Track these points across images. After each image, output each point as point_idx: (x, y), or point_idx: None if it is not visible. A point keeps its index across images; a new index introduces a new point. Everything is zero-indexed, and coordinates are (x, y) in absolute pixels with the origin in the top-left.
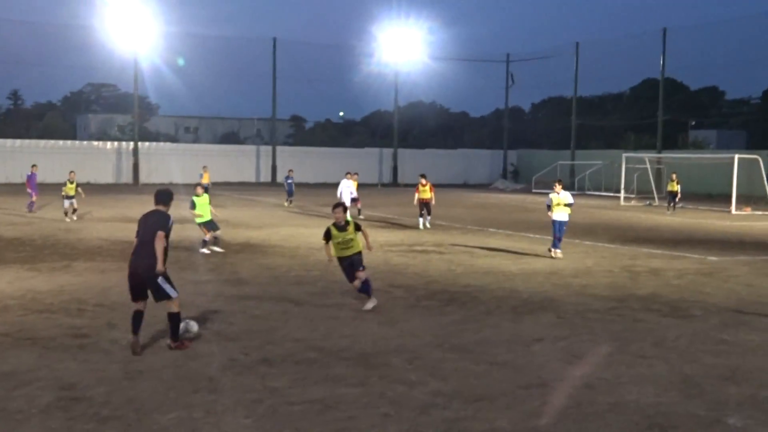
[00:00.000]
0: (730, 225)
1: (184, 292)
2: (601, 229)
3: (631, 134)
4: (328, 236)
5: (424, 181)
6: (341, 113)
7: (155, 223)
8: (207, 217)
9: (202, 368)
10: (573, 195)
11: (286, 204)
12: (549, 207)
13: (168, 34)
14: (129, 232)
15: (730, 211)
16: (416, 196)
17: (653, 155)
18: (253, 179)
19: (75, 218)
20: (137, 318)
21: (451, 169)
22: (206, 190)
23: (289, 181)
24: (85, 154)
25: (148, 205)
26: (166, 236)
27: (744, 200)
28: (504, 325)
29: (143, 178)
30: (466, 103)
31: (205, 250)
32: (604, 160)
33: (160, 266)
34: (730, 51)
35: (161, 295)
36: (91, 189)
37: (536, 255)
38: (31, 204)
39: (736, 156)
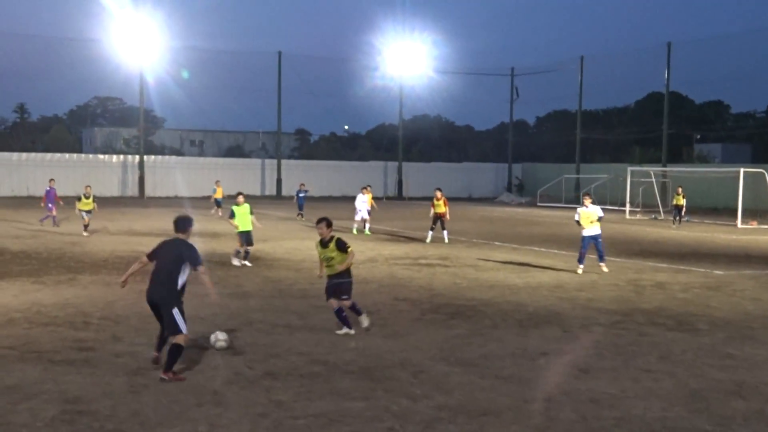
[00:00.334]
0: (736, 239)
1: (188, 305)
2: (607, 243)
3: (636, 148)
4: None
5: (438, 195)
6: (346, 126)
7: (181, 255)
8: (245, 228)
9: (206, 382)
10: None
11: (298, 218)
12: (579, 223)
13: (173, 48)
14: (135, 246)
15: (735, 225)
16: (432, 210)
17: (658, 169)
18: (258, 192)
19: (86, 234)
20: (162, 338)
21: (456, 182)
22: (219, 204)
23: (301, 194)
24: (90, 167)
25: (153, 218)
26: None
27: (750, 214)
28: (509, 338)
29: (149, 192)
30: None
31: (236, 262)
32: (609, 174)
33: (213, 297)
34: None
35: (171, 328)
36: (96, 202)
37: (541, 268)
38: (53, 218)
39: (742, 169)
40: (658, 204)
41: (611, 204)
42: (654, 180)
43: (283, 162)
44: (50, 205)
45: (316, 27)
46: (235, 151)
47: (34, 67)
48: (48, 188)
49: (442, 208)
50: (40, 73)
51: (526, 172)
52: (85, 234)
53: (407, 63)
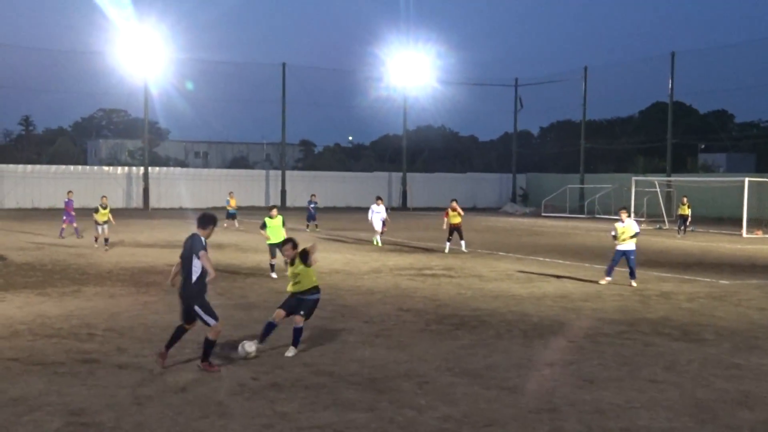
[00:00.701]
0: (741, 248)
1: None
2: (611, 253)
3: (640, 158)
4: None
5: (454, 205)
6: (350, 137)
7: (190, 248)
8: (276, 240)
9: (211, 393)
10: (584, 219)
11: (308, 229)
12: (615, 237)
13: (178, 60)
14: (139, 257)
15: (741, 235)
16: (445, 220)
17: (663, 179)
18: (262, 203)
19: (107, 248)
20: (177, 333)
21: (460, 192)
22: (233, 216)
23: (313, 205)
24: (95, 179)
25: (158, 229)
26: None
27: (755, 223)
28: (514, 349)
29: (153, 203)
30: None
31: (273, 275)
32: (614, 184)
33: (213, 273)
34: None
35: (202, 324)
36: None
37: (546, 278)
38: (76, 230)
39: (747, 179)
40: (662, 214)
41: (616, 214)
42: (659, 190)
43: (288, 173)
44: (65, 218)
45: (320, 38)
46: (239, 163)
47: (39, 79)
48: (66, 200)
49: (458, 218)
50: (45, 86)
51: (530, 182)
52: (105, 247)
53: (411, 74)
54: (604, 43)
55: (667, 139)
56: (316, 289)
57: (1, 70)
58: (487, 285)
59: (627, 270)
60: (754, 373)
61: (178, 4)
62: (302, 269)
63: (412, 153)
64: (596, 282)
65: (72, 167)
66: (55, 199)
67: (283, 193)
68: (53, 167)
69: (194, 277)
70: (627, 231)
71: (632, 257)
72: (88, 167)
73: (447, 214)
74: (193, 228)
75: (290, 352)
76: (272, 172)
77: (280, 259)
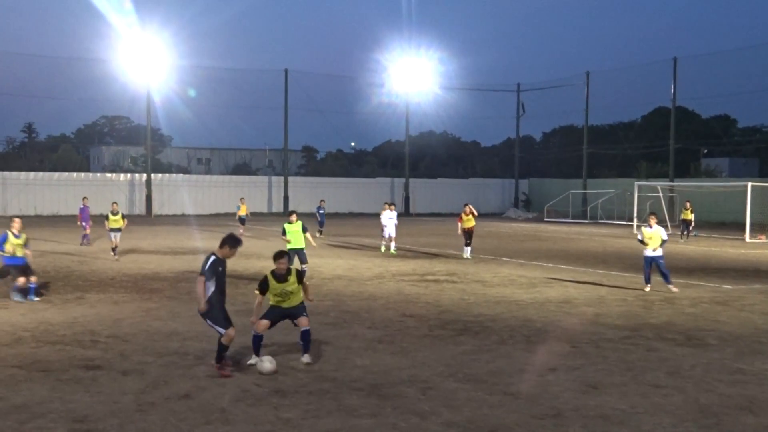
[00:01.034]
0: (745, 253)
1: (196, 322)
2: (615, 258)
3: (643, 163)
4: (264, 288)
5: (467, 210)
6: (352, 143)
7: (202, 265)
8: (296, 246)
9: (214, 399)
10: (586, 224)
11: (317, 235)
12: (642, 242)
13: (180, 67)
14: (142, 264)
15: (744, 239)
16: (459, 225)
17: (666, 183)
18: (265, 210)
19: (117, 258)
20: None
21: (463, 198)
22: (243, 221)
23: (321, 211)
24: (98, 186)
25: (160, 236)
26: (207, 278)
27: (758, 228)
28: (517, 354)
29: (156, 210)
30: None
31: None
32: (617, 189)
33: (201, 306)
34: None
35: (214, 330)
36: (103, 221)
37: (550, 284)
38: (86, 237)
39: (750, 184)
40: (665, 219)
41: (619, 219)
42: (661, 195)
43: (290, 179)
44: (84, 224)
45: (322, 44)
46: (242, 169)
47: (42, 87)
48: (82, 206)
49: (471, 222)
50: (48, 93)
51: (532, 187)
52: (115, 258)
53: (413, 80)
54: (607, 49)
55: (669, 144)
56: (302, 302)
57: (4, 77)
58: (490, 290)
59: (626, 275)
60: (758, 378)
61: (180, 12)
62: (296, 288)
63: (414, 159)
64: (599, 285)
65: (75, 174)
66: (57, 206)
67: (286, 199)
68: (56, 174)
69: (208, 294)
70: (655, 237)
71: (661, 262)
72: (90, 174)
73: (461, 219)
74: (197, 235)
75: (306, 358)
76: (275, 179)
77: (296, 264)
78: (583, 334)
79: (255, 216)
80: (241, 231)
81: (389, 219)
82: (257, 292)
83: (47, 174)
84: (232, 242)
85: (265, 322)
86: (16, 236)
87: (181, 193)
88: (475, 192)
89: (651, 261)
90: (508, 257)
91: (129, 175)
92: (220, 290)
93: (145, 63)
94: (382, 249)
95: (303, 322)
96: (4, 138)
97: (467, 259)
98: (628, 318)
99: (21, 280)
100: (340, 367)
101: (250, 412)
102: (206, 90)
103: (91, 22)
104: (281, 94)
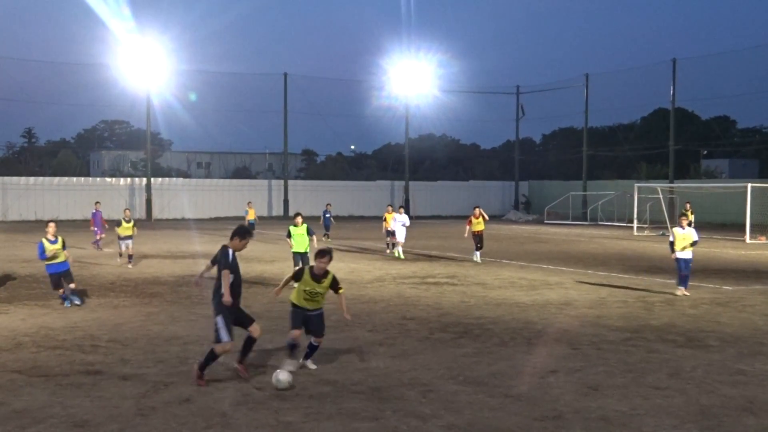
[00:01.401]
0: (745, 254)
1: (196, 326)
2: (615, 260)
3: (642, 164)
4: (298, 277)
5: (477, 213)
6: (352, 147)
7: (218, 260)
8: (300, 249)
9: (214, 404)
10: (587, 226)
11: (324, 239)
12: (672, 245)
13: (180, 71)
14: (142, 268)
15: (744, 240)
16: (468, 228)
17: (665, 185)
18: (265, 213)
19: (131, 266)
20: (244, 349)
21: (463, 200)
22: (252, 226)
23: (327, 215)
24: (98, 190)
25: (160, 240)
26: (231, 271)
27: (758, 229)
28: (518, 357)
29: (156, 214)
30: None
31: (295, 285)
32: (617, 191)
33: (226, 297)
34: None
35: (214, 334)
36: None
37: (550, 286)
38: (97, 242)
39: (749, 185)
40: (665, 220)
41: (619, 221)
42: (661, 196)
43: (290, 183)
44: (96, 229)
45: (322, 48)
46: (242, 173)
47: (42, 92)
48: (94, 211)
49: (481, 225)
50: (48, 98)
51: (533, 189)
52: (129, 265)
53: (413, 83)
54: (606, 51)
55: (669, 145)
56: (322, 314)
57: (3, 82)
58: (491, 293)
59: (627, 277)
60: (759, 379)
61: (180, 16)
62: (325, 292)
63: (414, 162)
64: (599, 287)
65: (75, 179)
66: (58, 210)
67: (286, 202)
68: (56, 179)
69: (221, 289)
70: (687, 238)
71: (690, 265)
72: (90, 179)
73: (470, 222)
74: (197, 239)
75: (312, 364)
76: (275, 182)
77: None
78: (584, 336)
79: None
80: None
81: (399, 221)
82: (291, 277)
83: (47, 179)
84: (241, 233)
85: (298, 332)
86: (52, 242)
87: (181, 197)
88: (475, 194)
89: (686, 264)
90: (509, 259)
91: (129, 179)
92: (239, 284)
93: (144, 67)
94: (396, 253)
95: (319, 342)
96: (4, 143)
97: (477, 262)
98: (629, 320)
99: (60, 291)
100: (341, 370)
101: (251, 415)
102: (206, 94)
103: (91, 27)
104: (281, 97)
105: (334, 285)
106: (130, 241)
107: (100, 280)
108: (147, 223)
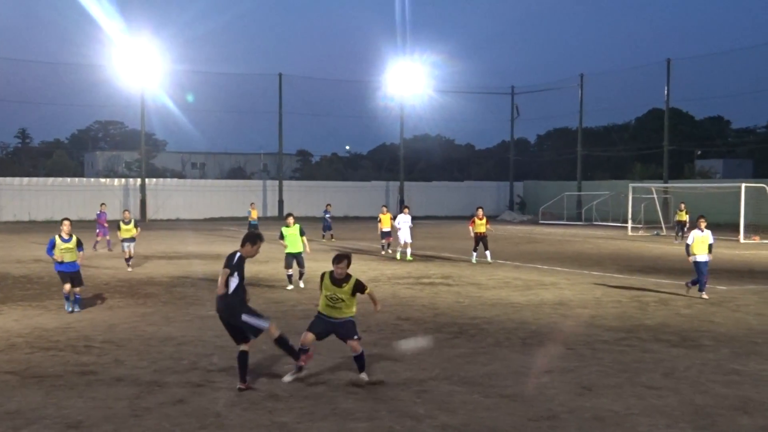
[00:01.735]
0: (739, 254)
1: (191, 327)
2: (609, 260)
3: (637, 164)
4: (321, 284)
5: (480, 214)
6: (347, 147)
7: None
8: (293, 249)
9: (209, 404)
10: (581, 226)
11: (324, 240)
12: (688, 247)
13: (174, 72)
14: (137, 269)
15: (738, 240)
16: (471, 229)
17: (660, 185)
18: (260, 213)
19: (131, 268)
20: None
21: (458, 201)
22: (255, 227)
23: (328, 215)
24: (92, 191)
25: (154, 241)
26: (231, 271)
27: (752, 229)
28: (513, 357)
29: (151, 215)
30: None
31: (289, 286)
32: (611, 191)
33: (219, 290)
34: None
35: (253, 331)
36: (138, 226)
37: (545, 286)
38: (108, 242)
39: (743, 185)
40: (660, 220)
41: (613, 221)
42: (656, 196)
43: (285, 183)
44: (98, 230)
45: (317, 48)
46: (236, 173)
47: (36, 92)
48: (99, 212)
49: (483, 227)
50: (42, 99)
51: (527, 190)
52: (128, 269)
53: (408, 83)
54: (600, 51)
55: (663, 145)
56: (352, 319)
57: None
58: (486, 293)
59: (621, 277)
60: (753, 378)
61: (175, 16)
62: (348, 298)
63: (409, 162)
64: (594, 287)
65: (69, 179)
66: (52, 211)
67: (281, 203)
68: (50, 180)
69: (231, 290)
70: (706, 240)
71: (706, 268)
72: (85, 179)
73: (473, 223)
74: (191, 240)
75: (364, 376)
76: (269, 183)
77: (294, 269)
78: (579, 336)
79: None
80: None
81: (404, 223)
82: (319, 286)
83: (41, 179)
84: (252, 239)
85: (311, 336)
86: (65, 240)
87: (175, 197)
88: (470, 195)
89: (704, 266)
90: (504, 260)
91: (123, 180)
92: (244, 289)
93: (139, 68)
94: (400, 255)
95: (354, 346)
96: None
97: (481, 262)
98: (624, 319)
99: (67, 287)
100: (336, 370)
101: (245, 416)
102: (201, 94)
103: (85, 27)
104: (276, 98)
105: (359, 288)
106: (132, 243)
107: (95, 280)
108: (141, 223)
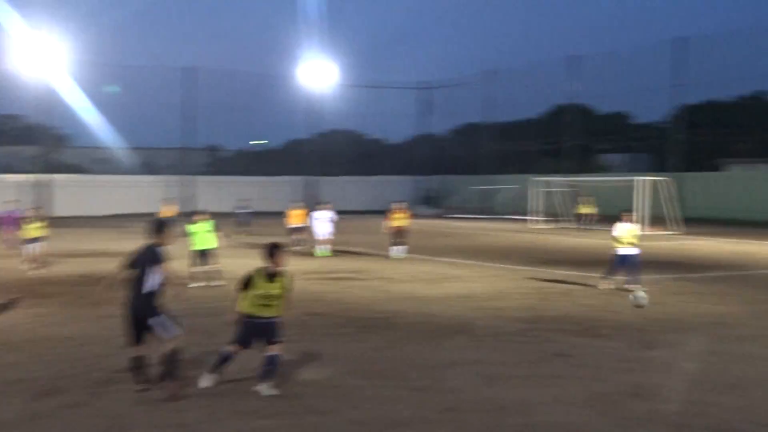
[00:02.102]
0: (638, 245)
1: (91, 327)
2: (515, 252)
3: (543, 159)
4: (247, 284)
5: (399, 208)
6: (258, 141)
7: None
8: (201, 246)
9: (112, 404)
10: (490, 219)
11: (238, 236)
12: (616, 239)
13: (80, 64)
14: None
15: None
16: (387, 224)
17: (564, 179)
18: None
19: (44, 270)
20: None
21: (369, 195)
22: (167, 224)
23: (244, 210)
24: None
25: (58, 239)
26: (145, 268)
27: (651, 221)
28: (420, 350)
29: (56, 212)
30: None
31: (193, 284)
32: (518, 184)
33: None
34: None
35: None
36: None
37: (453, 279)
38: (7, 241)
39: (642, 178)
40: (564, 213)
41: (520, 214)
42: (560, 190)
43: (195, 178)
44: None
45: (228, 42)
46: (146, 168)
47: None
48: (8, 210)
49: (403, 221)
50: None
51: (438, 184)
52: (25, 269)
53: (319, 77)
54: (509, 48)
55: (568, 140)
56: (279, 318)
57: None
58: (395, 287)
59: (526, 269)
60: (647, 365)
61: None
62: (280, 293)
63: (321, 156)
64: (500, 279)
65: None
66: None
67: (191, 198)
68: None
69: (148, 288)
70: (629, 233)
71: (637, 260)
72: None
73: (390, 217)
74: (97, 238)
75: (264, 388)
76: (179, 178)
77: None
78: (484, 328)
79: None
80: None
81: (315, 220)
82: (241, 289)
83: None
84: (159, 227)
85: (239, 348)
86: None
87: (81, 194)
88: (381, 189)
89: (626, 259)
90: (414, 254)
91: (24, 176)
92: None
93: (42, 59)
94: (318, 252)
95: (276, 348)
96: None
97: (399, 258)
98: (528, 311)
99: None
100: (242, 368)
101: (149, 416)
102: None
103: None
104: (186, 91)
105: (290, 283)
106: (38, 244)
107: None
108: (44, 221)
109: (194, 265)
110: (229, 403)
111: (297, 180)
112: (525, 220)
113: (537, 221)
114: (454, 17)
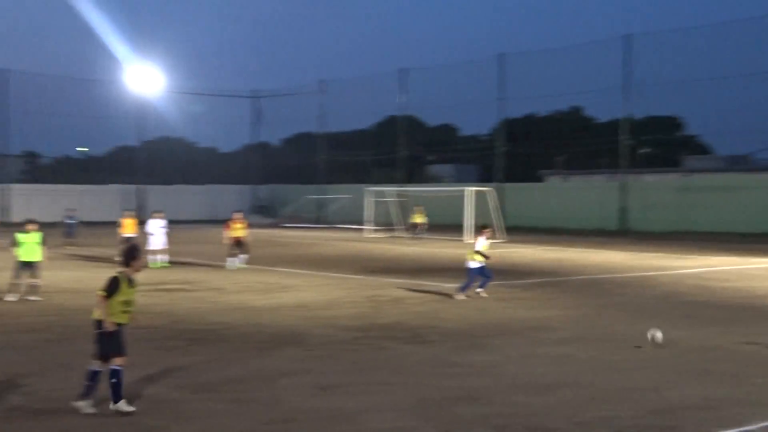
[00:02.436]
0: (464, 253)
1: None
2: (348, 262)
3: (375, 169)
4: (114, 290)
5: (238, 218)
6: (81, 149)
7: None
8: (28, 258)
9: None
10: (323, 229)
11: (66, 247)
12: (478, 254)
13: None
14: None
15: (462, 240)
16: (225, 234)
17: (396, 189)
18: None
19: None
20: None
21: (200, 204)
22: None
23: (71, 221)
24: None
25: None
26: None
27: (476, 230)
28: (250, 361)
29: None
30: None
31: (11, 297)
32: (351, 194)
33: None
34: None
35: None
36: None
37: (286, 289)
38: None
39: (470, 188)
40: (396, 222)
41: (353, 224)
42: (392, 199)
43: (10, 186)
44: None
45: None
46: None
47: None
48: None
49: (241, 231)
50: None
51: (271, 193)
52: None
53: (148, 83)
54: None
55: (399, 151)
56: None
57: None
58: (226, 298)
59: (359, 278)
60: (473, 369)
61: None
62: (134, 299)
63: (148, 165)
64: (332, 289)
65: None
66: None
67: (6, 208)
68: None
69: None
70: (485, 248)
71: (487, 270)
72: None
73: (229, 227)
74: None
75: (124, 406)
76: None
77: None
78: (316, 337)
79: None
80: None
81: (157, 228)
82: (104, 294)
83: None
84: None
85: (124, 359)
86: None
87: None
88: (212, 198)
89: (478, 272)
90: (246, 264)
91: None
92: None
93: None
94: (158, 263)
95: (117, 361)
96: None
97: (240, 268)
98: (359, 319)
99: None
100: (64, 386)
101: None
102: None
103: None
104: (1, 95)
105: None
106: None
107: None
108: None
109: (17, 276)
110: (51, 422)
111: (126, 188)
112: (359, 229)
113: (371, 230)
114: (287, 26)
